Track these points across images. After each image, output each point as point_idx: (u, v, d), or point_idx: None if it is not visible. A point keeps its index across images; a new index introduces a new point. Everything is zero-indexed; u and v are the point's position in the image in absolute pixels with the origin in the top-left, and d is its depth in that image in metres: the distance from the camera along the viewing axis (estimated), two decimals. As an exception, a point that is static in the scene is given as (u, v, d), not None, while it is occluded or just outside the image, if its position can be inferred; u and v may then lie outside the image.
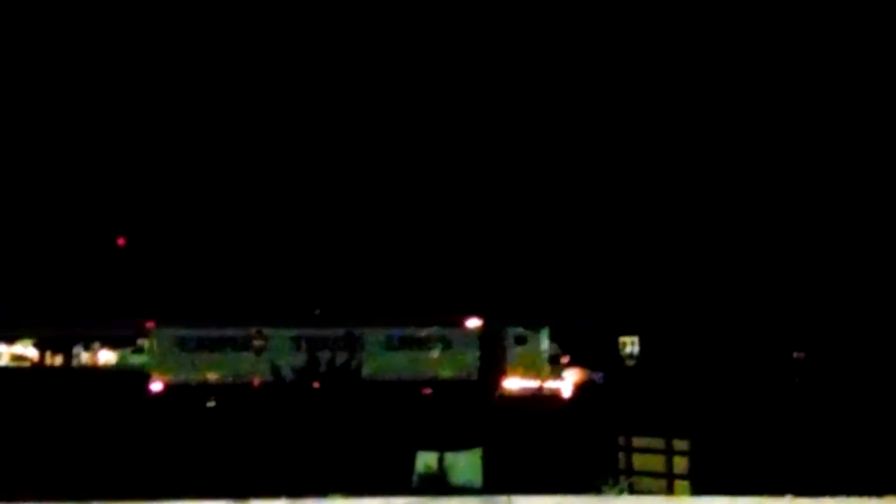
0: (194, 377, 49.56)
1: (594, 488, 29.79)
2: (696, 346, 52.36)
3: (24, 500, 9.59)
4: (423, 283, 56.56)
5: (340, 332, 49.25)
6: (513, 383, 51.14)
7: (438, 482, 35.01)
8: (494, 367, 51.32)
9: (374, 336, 50.47)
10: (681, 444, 33.67)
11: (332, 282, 57.59)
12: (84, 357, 64.08)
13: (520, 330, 52.25)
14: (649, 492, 31.71)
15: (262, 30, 63.51)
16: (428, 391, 49.51)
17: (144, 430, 37.28)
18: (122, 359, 63.08)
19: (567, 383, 51.52)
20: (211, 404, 47.68)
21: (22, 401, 42.34)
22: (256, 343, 50.28)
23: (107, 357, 64.37)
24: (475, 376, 51.01)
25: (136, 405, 44.36)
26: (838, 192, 57.79)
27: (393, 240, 60.80)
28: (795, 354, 53.80)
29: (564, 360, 53.07)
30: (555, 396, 49.76)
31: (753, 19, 61.30)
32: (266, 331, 50.55)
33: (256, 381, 47.42)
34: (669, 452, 33.79)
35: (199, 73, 62.89)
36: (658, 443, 34.18)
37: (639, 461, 34.38)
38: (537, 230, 60.31)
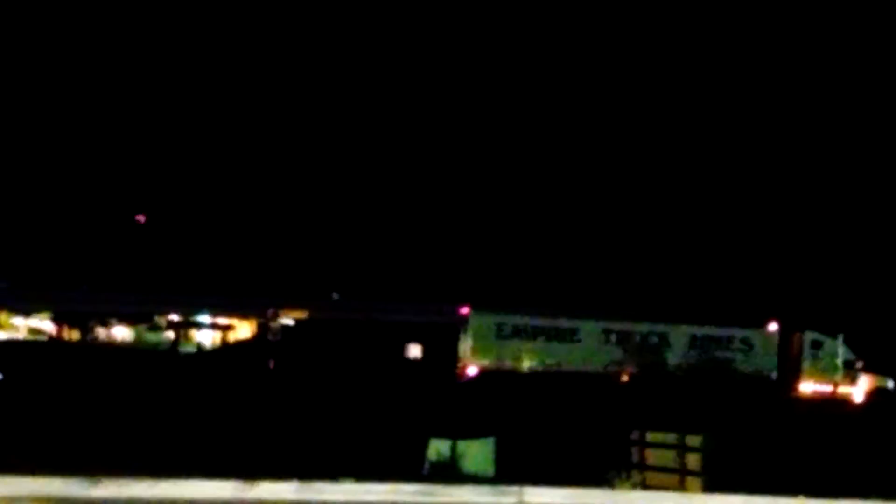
0: (508, 364, 50.77)
1: (606, 482, 29.70)
2: None
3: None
4: (728, 287, 58.32)
5: (647, 327, 51.60)
6: (807, 387, 52.25)
7: (450, 470, 34.95)
8: (791, 370, 52.55)
9: (678, 334, 51.81)
10: (694, 441, 33.56)
11: (641, 280, 59.45)
12: (101, 333, 64.12)
13: (816, 335, 53.52)
14: (661, 487, 31.61)
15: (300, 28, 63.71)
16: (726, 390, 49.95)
17: None
18: (139, 336, 63.18)
19: (860, 389, 52.47)
20: None
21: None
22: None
23: (123, 334, 64.43)
24: (773, 378, 52.21)
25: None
26: None
27: (701, 249, 62.68)
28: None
29: (858, 365, 53.84)
30: (847, 401, 50.63)
31: (756, 19, 61.27)
32: (575, 322, 51.96)
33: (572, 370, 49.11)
34: (683, 448, 33.68)
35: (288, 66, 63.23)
36: (671, 438, 34.09)
37: (652, 456, 34.26)
38: (836, 242, 62.01)
